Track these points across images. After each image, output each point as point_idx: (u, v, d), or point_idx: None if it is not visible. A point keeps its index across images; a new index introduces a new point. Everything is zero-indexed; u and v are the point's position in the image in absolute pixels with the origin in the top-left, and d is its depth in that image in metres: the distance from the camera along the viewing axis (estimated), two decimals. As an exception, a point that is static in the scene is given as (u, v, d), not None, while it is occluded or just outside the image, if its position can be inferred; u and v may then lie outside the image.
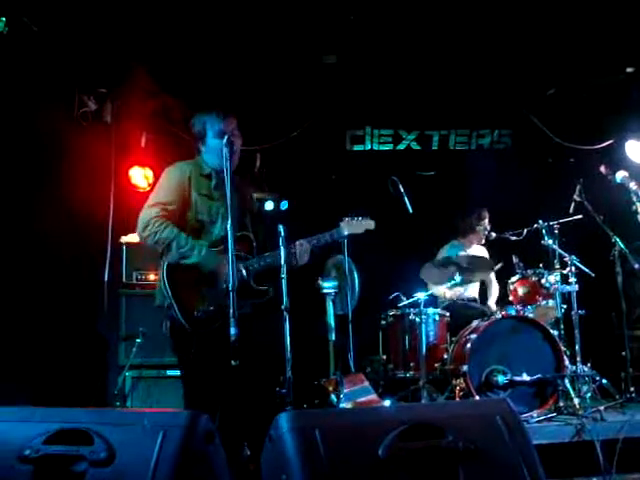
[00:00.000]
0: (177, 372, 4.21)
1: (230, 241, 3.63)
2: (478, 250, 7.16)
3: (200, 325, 3.92)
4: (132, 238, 6.26)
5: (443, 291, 6.72)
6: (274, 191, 8.00)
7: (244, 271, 4.01)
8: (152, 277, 6.14)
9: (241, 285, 3.77)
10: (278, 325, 3.78)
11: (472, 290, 7.07)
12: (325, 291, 5.38)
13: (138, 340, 5.85)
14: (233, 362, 3.35)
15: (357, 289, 5.74)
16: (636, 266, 5.92)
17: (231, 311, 3.45)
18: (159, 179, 4.30)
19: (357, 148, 8.46)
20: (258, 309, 4.10)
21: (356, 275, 5.70)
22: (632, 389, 5.76)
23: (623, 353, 6.11)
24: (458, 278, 6.20)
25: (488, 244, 7.08)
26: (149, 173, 6.87)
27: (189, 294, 3.95)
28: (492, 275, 7.22)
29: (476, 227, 7.01)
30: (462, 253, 6.86)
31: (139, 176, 6.83)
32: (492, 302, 7.07)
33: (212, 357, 3.88)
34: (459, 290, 6.85)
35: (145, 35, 5.99)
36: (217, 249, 4.04)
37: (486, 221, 7.00)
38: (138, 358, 5.95)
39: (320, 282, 5.39)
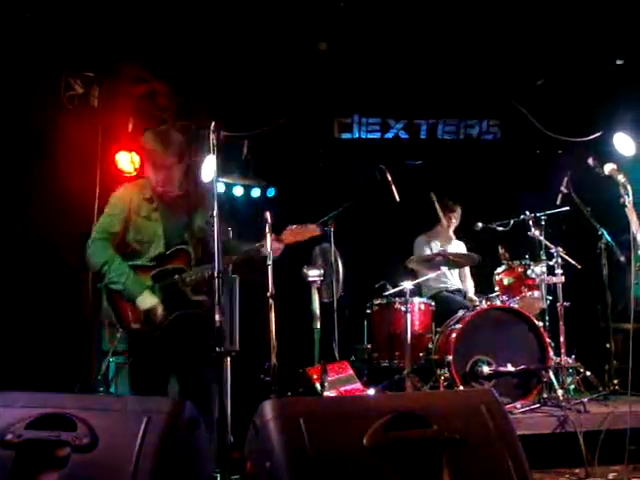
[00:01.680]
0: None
1: (216, 227, 3.61)
2: (457, 246, 7.09)
3: (138, 336, 4.11)
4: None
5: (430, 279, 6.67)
6: (262, 178, 7.98)
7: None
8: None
9: (177, 295, 4.04)
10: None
11: (457, 281, 7.06)
12: (310, 279, 5.37)
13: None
14: (217, 349, 3.34)
15: (342, 277, 5.73)
16: (622, 259, 5.94)
17: (216, 297, 3.44)
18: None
19: (345, 136, 8.41)
20: (196, 318, 4.11)
21: (340, 263, 5.70)
22: (615, 381, 5.79)
23: (607, 345, 6.15)
24: (444, 268, 6.24)
25: (469, 236, 7.03)
26: (136, 158, 6.80)
27: (126, 309, 4.10)
28: (467, 269, 7.18)
29: (448, 218, 6.97)
30: (448, 248, 6.79)
31: (125, 161, 6.75)
32: (472, 294, 7.03)
33: (152, 361, 4.05)
34: (444, 280, 6.86)
35: (133, 20, 5.94)
36: (154, 270, 4.13)
37: (456, 213, 6.98)
38: (122, 344, 5.93)
39: (305, 270, 5.38)
